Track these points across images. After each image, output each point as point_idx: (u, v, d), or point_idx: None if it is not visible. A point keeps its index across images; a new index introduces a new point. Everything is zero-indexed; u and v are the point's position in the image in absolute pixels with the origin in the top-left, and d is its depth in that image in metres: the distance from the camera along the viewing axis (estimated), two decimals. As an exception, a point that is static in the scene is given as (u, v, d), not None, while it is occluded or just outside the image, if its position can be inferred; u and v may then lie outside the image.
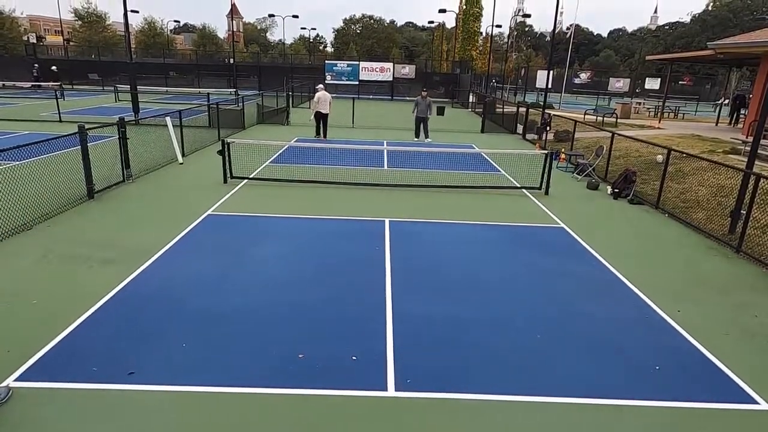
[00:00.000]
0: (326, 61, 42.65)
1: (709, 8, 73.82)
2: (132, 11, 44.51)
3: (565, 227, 8.71)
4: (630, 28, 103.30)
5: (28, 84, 34.51)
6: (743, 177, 8.17)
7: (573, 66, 62.51)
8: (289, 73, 40.11)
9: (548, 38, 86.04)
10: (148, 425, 3.63)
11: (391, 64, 42.08)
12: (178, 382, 4.08)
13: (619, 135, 13.51)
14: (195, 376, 4.17)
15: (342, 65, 41.34)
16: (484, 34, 62.16)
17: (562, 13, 66.75)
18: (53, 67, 34.90)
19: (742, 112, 23.29)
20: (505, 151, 15.07)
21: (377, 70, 40.66)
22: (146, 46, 65.74)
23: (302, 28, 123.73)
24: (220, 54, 63.12)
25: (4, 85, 35.67)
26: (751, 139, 10.39)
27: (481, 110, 24.44)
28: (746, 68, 34.33)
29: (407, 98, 36.88)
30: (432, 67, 49.71)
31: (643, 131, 19.29)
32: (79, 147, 8.90)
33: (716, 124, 24.06)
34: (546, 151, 11.40)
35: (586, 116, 23.64)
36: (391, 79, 40.59)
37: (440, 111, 27.06)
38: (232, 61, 42.19)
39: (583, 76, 46.52)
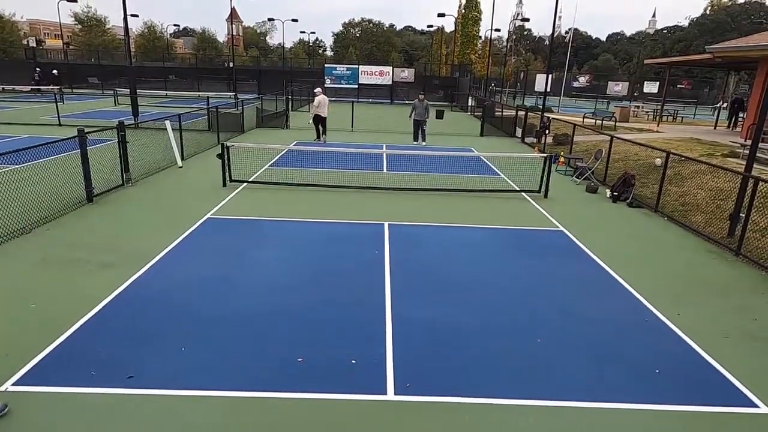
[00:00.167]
0: (326, 65, 42.77)
1: (708, 12, 74.13)
2: (132, 15, 44.61)
3: (565, 230, 8.72)
4: (628, 32, 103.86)
5: (28, 88, 34.57)
6: (742, 180, 8.18)
7: (572, 70, 62.69)
8: (288, 77, 40.20)
9: (547, 42, 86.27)
10: (147, 429, 3.61)
11: (391, 67, 42.22)
12: (177, 385, 4.07)
13: (618, 138, 13.53)
14: (194, 379, 4.16)
15: (341, 69, 41.46)
16: (483, 37, 62.37)
17: (560, 17, 67.01)
18: (54, 71, 34.98)
19: (741, 115, 23.34)
20: (504, 154, 15.09)
21: (376, 73, 40.77)
22: (146, 50, 65.90)
23: (302, 32, 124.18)
24: (220, 58, 63.25)
25: (3, 89, 35.72)
26: (749, 142, 10.41)
27: (480, 114, 24.50)
28: (744, 72, 34.43)
29: (406, 102, 36.95)
30: (431, 70, 49.80)
31: (642, 135, 19.33)
32: (79, 150, 8.90)
33: (715, 128, 24.10)
34: (545, 155, 11.42)
35: (585, 120, 23.68)
36: (390, 82, 40.71)
37: (439, 114, 27.11)
38: (231, 64, 42.31)
39: (582, 80, 46.68)
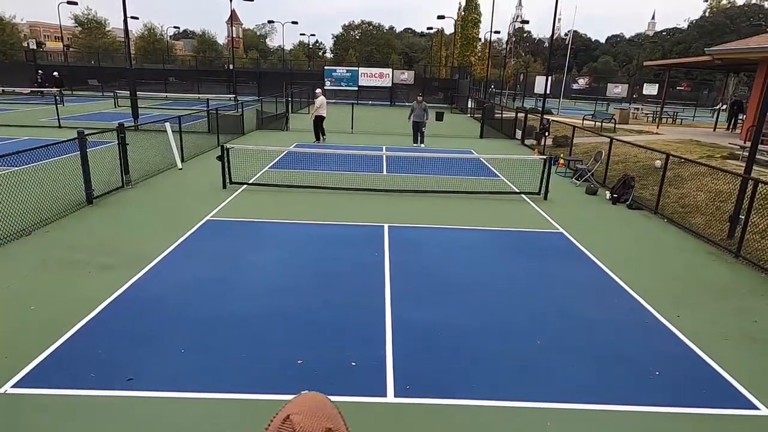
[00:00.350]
0: (325, 67, 42.80)
1: (707, 14, 74.28)
2: (132, 17, 44.73)
3: (564, 232, 8.72)
4: (628, 34, 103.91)
5: (28, 90, 34.59)
6: (742, 182, 8.19)
7: (571, 71, 62.77)
8: (288, 79, 40.23)
9: (546, 44, 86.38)
10: (146, 431, 3.62)
11: (390, 69, 42.27)
12: (177, 387, 4.06)
13: (618, 140, 13.55)
14: (193, 381, 4.15)
15: (341, 71, 41.50)
16: (482, 40, 62.51)
17: (560, 19, 67.14)
18: (55, 73, 35.02)
19: (740, 117, 23.37)
20: (503, 156, 15.10)
21: (376, 75, 40.81)
22: (146, 52, 65.95)
23: (302, 34, 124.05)
24: (220, 60, 63.34)
25: (3, 90, 35.74)
26: (749, 144, 10.42)
27: (480, 116, 24.52)
28: (743, 74, 34.47)
29: (406, 104, 36.96)
30: (431, 72, 49.87)
31: (642, 136, 19.34)
32: (79, 152, 8.91)
33: (714, 130, 24.12)
34: (545, 157, 11.43)
35: (584, 121, 23.71)
36: (390, 84, 40.75)
37: (439, 116, 27.13)
38: (231, 66, 42.32)
39: (582, 82, 46.73)
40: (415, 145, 18.15)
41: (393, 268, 6.74)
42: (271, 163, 13.53)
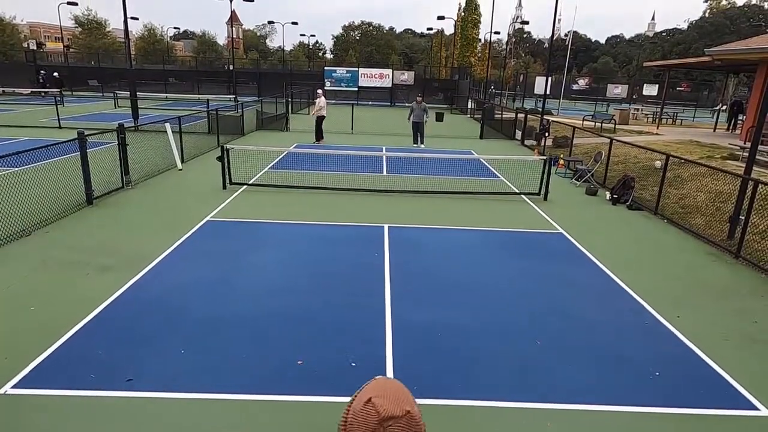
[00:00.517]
0: (325, 68, 42.79)
1: (707, 15, 74.32)
2: (132, 18, 44.76)
3: (564, 233, 8.72)
4: (628, 35, 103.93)
5: (28, 90, 34.61)
6: (742, 182, 8.19)
7: (571, 72, 62.81)
8: (288, 80, 40.24)
9: (546, 44, 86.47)
10: (146, 432, 3.61)
11: (390, 70, 42.28)
12: (177, 388, 4.06)
13: (618, 141, 13.55)
14: (193, 382, 4.15)
15: (341, 71, 41.51)
16: (482, 40, 62.56)
17: (560, 19, 67.14)
18: (55, 74, 35.04)
19: (740, 118, 23.37)
20: (503, 156, 15.11)
21: (376, 76, 40.82)
22: (146, 52, 66.00)
23: (302, 35, 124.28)
24: (220, 60, 63.36)
25: (3, 91, 35.75)
26: (749, 144, 10.42)
27: (480, 116, 24.52)
28: (743, 74, 34.47)
29: (406, 104, 36.95)
30: (431, 73, 49.87)
31: (642, 137, 19.35)
32: (79, 153, 8.91)
33: (714, 130, 24.11)
34: (545, 157, 11.43)
35: (584, 122, 23.71)
36: (390, 85, 40.75)
37: (439, 117, 27.14)
38: (231, 67, 42.31)
39: (582, 83, 46.73)
40: (414, 145, 18.16)
41: (393, 268, 6.74)
42: (271, 164, 13.53)
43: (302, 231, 8.27)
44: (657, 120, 25.78)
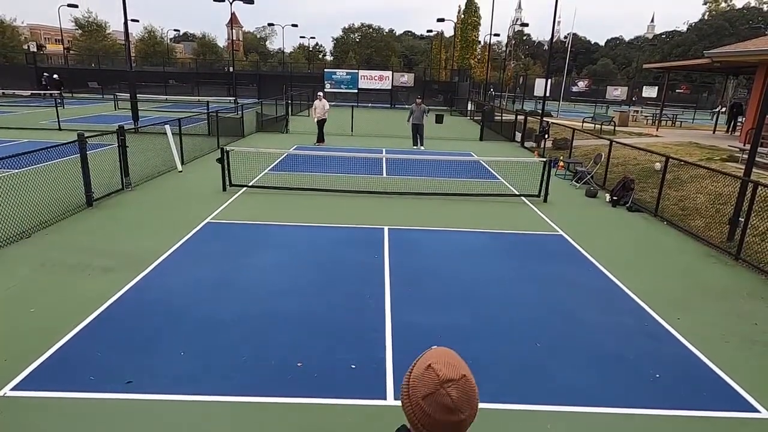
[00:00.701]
0: (325, 70, 42.85)
1: (706, 17, 74.45)
2: (132, 20, 44.82)
3: (564, 235, 8.72)
4: (627, 37, 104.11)
5: (28, 92, 34.64)
6: (741, 184, 8.19)
7: (571, 74, 62.87)
8: (288, 82, 40.28)
9: (546, 46, 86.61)
10: (145, 434, 3.60)
11: (390, 72, 42.31)
12: (177, 390, 4.06)
13: (617, 143, 13.56)
14: (193, 384, 4.15)
15: (341, 73, 41.54)
16: (482, 42, 62.66)
17: (559, 22, 67.30)
18: (55, 75, 35.08)
19: (739, 119, 23.40)
20: (503, 158, 15.11)
21: (376, 78, 40.85)
22: (146, 54, 66.07)
23: (301, 37, 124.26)
24: (220, 62, 63.46)
25: (4, 93, 35.77)
26: (748, 146, 10.43)
27: (480, 118, 24.54)
28: (743, 76, 34.53)
29: (406, 106, 36.99)
30: (431, 75, 49.94)
31: (641, 139, 19.37)
32: (79, 155, 8.91)
33: (713, 132, 24.14)
34: (544, 159, 11.44)
35: (584, 124, 23.74)
36: (389, 87, 40.78)
37: (439, 119, 27.13)
38: (231, 69, 42.34)
39: (581, 84, 46.74)
40: (414, 147, 18.17)
41: (393, 270, 6.74)
42: (271, 166, 13.53)
43: (302, 233, 8.27)
44: (656, 122, 25.82)
